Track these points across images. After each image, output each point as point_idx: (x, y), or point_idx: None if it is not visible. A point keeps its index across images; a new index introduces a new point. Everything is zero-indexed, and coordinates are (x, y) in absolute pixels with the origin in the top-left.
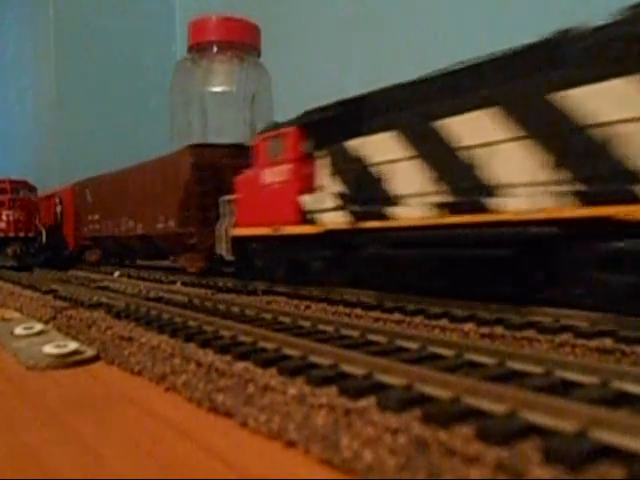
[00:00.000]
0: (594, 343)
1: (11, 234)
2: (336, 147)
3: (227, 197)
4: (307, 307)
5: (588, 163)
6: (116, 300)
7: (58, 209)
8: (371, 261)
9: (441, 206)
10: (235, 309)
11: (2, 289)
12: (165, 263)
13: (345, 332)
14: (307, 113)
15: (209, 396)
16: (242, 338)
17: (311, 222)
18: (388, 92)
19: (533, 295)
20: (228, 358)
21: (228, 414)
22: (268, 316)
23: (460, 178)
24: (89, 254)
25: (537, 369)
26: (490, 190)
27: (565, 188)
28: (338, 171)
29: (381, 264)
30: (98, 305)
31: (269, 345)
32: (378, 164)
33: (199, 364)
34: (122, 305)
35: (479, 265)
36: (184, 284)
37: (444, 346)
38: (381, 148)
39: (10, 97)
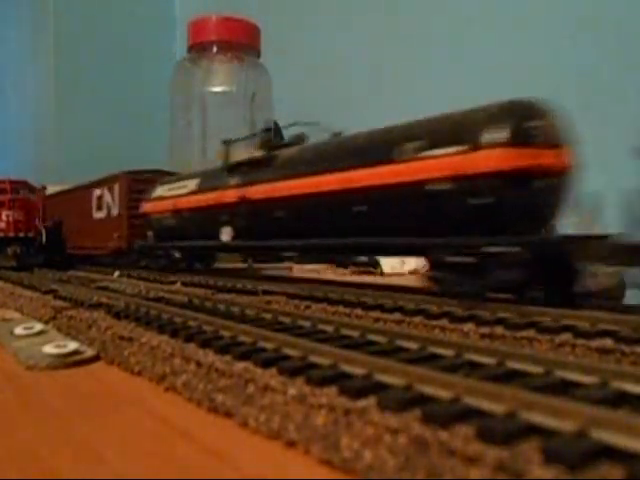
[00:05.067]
0: (594, 343)
1: (11, 234)
2: None
3: None
4: (307, 307)
5: None
6: (116, 300)
7: None
8: None
9: None
10: (235, 309)
11: (2, 289)
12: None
13: (345, 332)
14: None
15: (209, 396)
16: (242, 338)
17: None
18: None
19: None
20: (228, 358)
21: (228, 414)
22: (268, 316)
23: None
24: None
25: (537, 369)
26: None
27: None
28: None
29: None
30: (98, 305)
31: (269, 345)
32: None
33: (199, 364)
34: (122, 305)
35: None
36: (184, 284)
37: (444, 346)
38: None
39: (10, 97)
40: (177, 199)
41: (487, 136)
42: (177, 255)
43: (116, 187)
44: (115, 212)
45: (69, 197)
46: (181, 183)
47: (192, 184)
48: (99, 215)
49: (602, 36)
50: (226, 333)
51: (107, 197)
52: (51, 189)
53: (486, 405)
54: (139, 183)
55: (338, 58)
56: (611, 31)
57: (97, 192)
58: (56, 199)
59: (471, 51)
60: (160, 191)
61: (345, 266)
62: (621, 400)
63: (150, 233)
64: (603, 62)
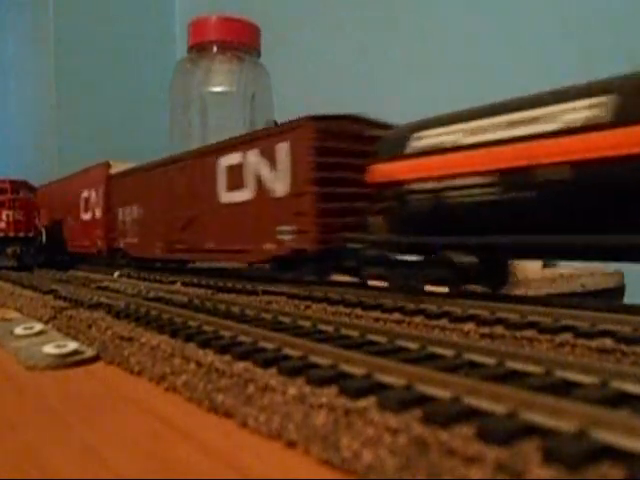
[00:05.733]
0: (594, 343)
1: (11, 234)
2: None
3: None
4: (307, 307)
5: None
6: (116, 300)
7: None
8: None
9: None
10: (235, 309)
11: (2, 289)
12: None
13: (345, 332)
14: None
15: (209, 396)
16: (242, 338)
17: None
18: None
19: None
20: (228, 358)
21: (228, 414)
22: (268, 316)
23: None
24: None
25: (537, 369)
26: None
27: None
28: None
29: None
30: (98, 305)
31: (269, 345)
32: None
33: (199, 364)
34: (122, 305)
35: None
36: (184, 284)
37: (444, 346)
38: None
39: (10, 97)
40: (523, 145)
41: None
42: (467, 260)
43: (283, 147)
44: (281, 189)
45: (159, 173)
46: (521, 114)
47: (578, 110)
48: (235, 197)
49: None
50: (226, 333)
51: (257, 165)
52: (117, 167)
53: (486, 405)
54: (333, 138)
55: (339, 58)
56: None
57: (228, 159)
58: (132, 179)
59: (473, 51)
60: (434, 138)
61: None
62: (621, 400)
63: (377, 220)
64: None
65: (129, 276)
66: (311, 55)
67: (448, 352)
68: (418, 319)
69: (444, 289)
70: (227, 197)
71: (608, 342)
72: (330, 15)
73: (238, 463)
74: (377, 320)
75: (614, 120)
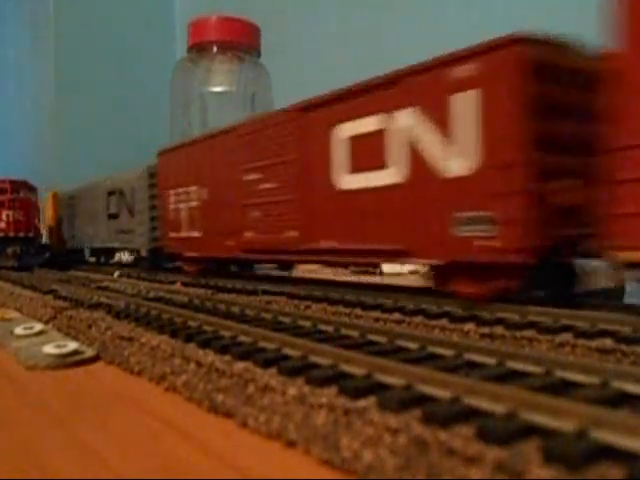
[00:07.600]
0: (594, 343)
1: (11, 234)
2: None
3: None
4: (307, 307)
5: None
6: (116, 300)
7: None
8: None
9: None
10: (235, 309)
11: (2, 289)
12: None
13: (345, 332)
14: None
15: (209, 396)
16: (242, 338)
17: None
18: None
19: None
20: (228, 358)
21: (228, 414)
22: (268, 316)
23: None
24: None
25: (537, 369)
26: None
27: None
28: None
29: None
30: (98, 305)
31: (269, 345)
32: None
33: (199, 364)
34: (122, 305)
35: None
36: (184, 284)
37: (444, 346)
38: None
39: (10, 97)
40: None
41: None
42: None
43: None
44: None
45: None
46: None
47: None
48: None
49: None
50: (226, 333)
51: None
52: None
53: (486, 405)
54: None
55: (338, 56)
56: None
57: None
58: None
59: None
60: None
61: (345, 266)
62: (621, 400)
63: None
64: None
65: (129, 276)
66: (311, 55)
67: (448, 352)
68: (418, 319)
69: None
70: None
71: (608, 342)
72: (330, 15)
73: (238, 463)
74: (377, 320)
75: None
